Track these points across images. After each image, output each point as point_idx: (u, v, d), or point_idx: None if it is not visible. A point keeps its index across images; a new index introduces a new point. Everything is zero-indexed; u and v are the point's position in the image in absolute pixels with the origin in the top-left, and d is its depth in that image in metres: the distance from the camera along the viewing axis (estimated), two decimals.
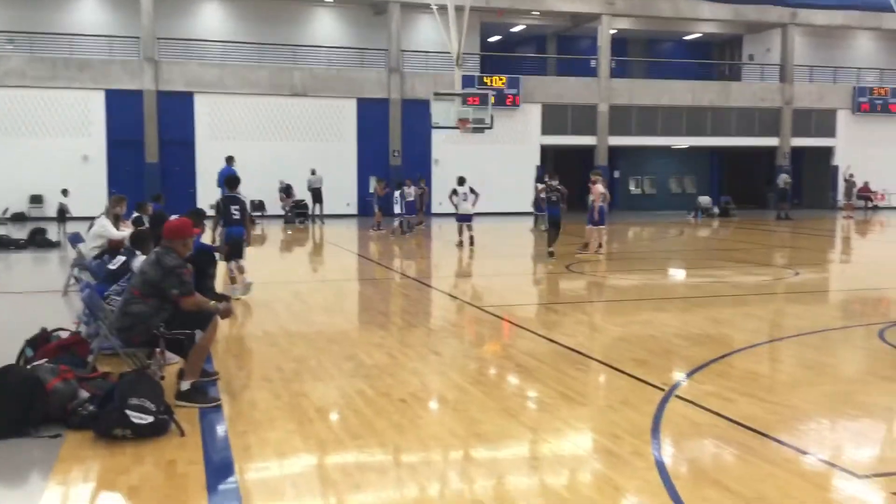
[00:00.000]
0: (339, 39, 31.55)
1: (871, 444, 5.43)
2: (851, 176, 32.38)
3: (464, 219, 18.60)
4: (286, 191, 27.61)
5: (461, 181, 19.04)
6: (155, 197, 15.87)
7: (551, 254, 15.78)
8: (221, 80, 28.75)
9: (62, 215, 21.44)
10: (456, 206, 18.90)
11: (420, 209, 23.53)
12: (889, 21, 32.41)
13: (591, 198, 16.51)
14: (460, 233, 18.65)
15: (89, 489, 4.60)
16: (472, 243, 18.30)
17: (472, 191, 18.70)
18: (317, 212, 27.06)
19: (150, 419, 5.17)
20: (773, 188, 30.89)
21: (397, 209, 22.26)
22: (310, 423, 5.59)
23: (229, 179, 11.30)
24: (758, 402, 6.12)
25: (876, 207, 34.77)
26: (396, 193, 22.42)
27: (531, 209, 24.06)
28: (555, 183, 16.36)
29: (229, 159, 19.99)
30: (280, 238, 22.72)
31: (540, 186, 21.17)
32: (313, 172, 27.03)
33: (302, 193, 27.61)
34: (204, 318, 6.09)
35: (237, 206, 10.78)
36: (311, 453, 5.06)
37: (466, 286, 13.26)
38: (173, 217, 8.45)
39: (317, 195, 26.90)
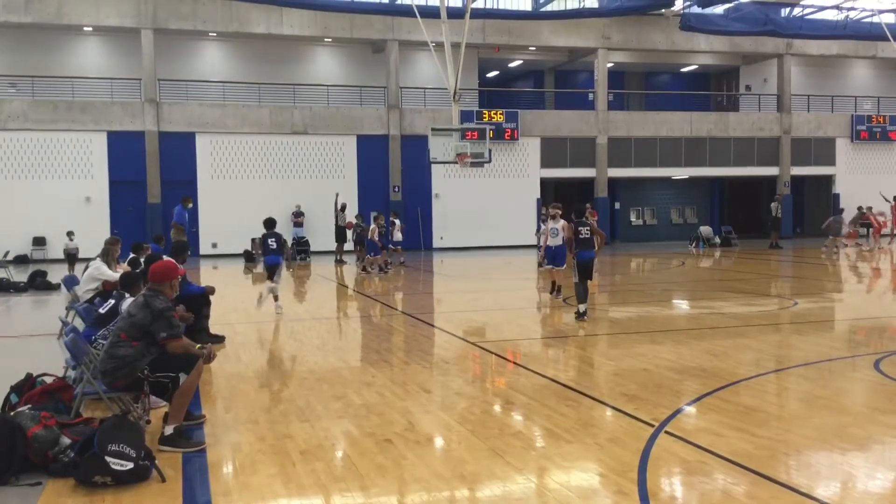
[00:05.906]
0: (339, 77, 31.88)
1: (861, 478, 5.34)
2: (870, 208, 31.70)
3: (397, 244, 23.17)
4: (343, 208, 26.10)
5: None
6: (156, 238, 15.70)
7: (580, 314, 12.18)
8: (222, 120, 29.00)
9: (72, 259, 21.40)
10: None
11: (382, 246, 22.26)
12: (885, 49, 32.56)
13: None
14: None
15: None
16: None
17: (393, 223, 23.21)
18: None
19: (131, 465, 5.14)
20: (767, 217, 30.93)
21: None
22: (292, 466, 5.54)
23: (267, 221, 13.98)
24: (749, 438, 6.05)
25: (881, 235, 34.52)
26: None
27: (536, 243, 24.49)
28: (588, 217, 12.25)
29: (184, 199, 20.75)
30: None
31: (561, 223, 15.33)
32: (343, 209, 25.98)
33: (328, 231, 27.16)
34: (188, 361, 6.07)
35: (273, 240, 13.67)
36: (291, 498, 5.01)
37: (461, 321, 13.20)
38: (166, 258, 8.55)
39: (340, 233, 26.00)
